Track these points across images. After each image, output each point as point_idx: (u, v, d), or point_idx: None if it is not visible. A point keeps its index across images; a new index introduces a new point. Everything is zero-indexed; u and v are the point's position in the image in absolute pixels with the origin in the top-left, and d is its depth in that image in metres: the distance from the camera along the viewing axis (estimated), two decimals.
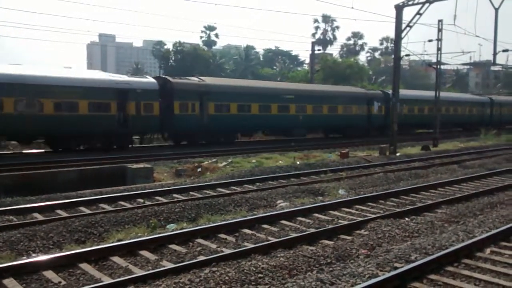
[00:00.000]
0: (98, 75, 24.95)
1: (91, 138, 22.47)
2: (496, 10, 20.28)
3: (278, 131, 31.90)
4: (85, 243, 8.39)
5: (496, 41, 21.56)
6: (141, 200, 11.67)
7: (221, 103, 26.61)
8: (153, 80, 24.95)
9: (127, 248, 7.58)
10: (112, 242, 7.94)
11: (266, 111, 28.68)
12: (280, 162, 19.78)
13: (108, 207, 10.92)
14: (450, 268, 6.74)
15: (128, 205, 11.17)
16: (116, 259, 7.22)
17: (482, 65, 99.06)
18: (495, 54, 22.27)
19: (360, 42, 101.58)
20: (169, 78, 25.90)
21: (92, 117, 21.72)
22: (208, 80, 28.04)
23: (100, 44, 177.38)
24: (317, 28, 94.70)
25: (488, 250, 7.54)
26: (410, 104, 38.30)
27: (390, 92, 37.26)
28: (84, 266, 6.91)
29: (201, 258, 7.17)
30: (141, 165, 16.16)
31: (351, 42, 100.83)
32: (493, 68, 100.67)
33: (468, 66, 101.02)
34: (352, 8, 60.49)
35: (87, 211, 10.50)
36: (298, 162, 19.20)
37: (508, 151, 25.43)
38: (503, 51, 27.97)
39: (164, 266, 6.84)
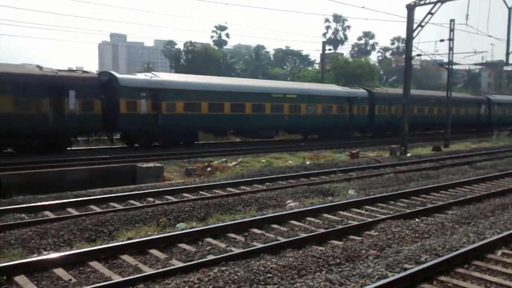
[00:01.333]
0: None
1: None
2: (510, 9, 20.11)
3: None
4: (96, 242, 8.44)
5: (509, 41, 21.38)
6: (151, 199, 11.73)
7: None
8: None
9: (137, 246, 7.62)
10: (122, 241, 7.98)
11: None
12: (290, 162, 19.77)
13: (118, 206, 10.98)
14: (460, 270, 6.68)
15: (138, 204, 11.22)
16: (126, 257, 7.26)
17: (494, 65, 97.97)
18: (508, 54, 22.11)
19: (371, 41, 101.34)
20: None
21: None
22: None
23: (111, 44, 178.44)
24: (328, 27, 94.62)
25: (499, 252, 7.48)
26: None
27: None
28: (94, 264, 6.96)
29: (210, 257, 7.19)
30: (151, 164, 16.23)
31: (362, 41, 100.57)
32: (505, 68, 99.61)
33: (480, 66, 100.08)
34: (363, 7, 59.78)
35: (98, 210, 10.56)
36: (308, 162, 19.17)
37: None
38: None
39: (173, 265, 6.87)
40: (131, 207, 10.72)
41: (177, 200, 11.66)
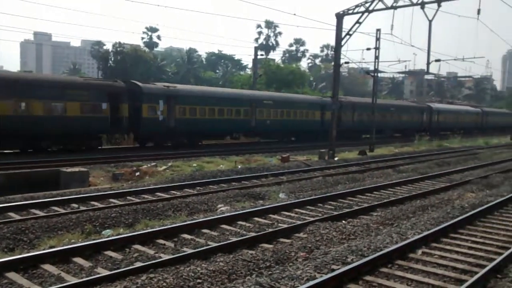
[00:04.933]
0: None
1: None
2: (430, 21, 21.27)
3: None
4: (14, 251, 7.95)
5: (430, 51, 22.63)
6: (76, 205, 11.24)
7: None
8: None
9: (59, 255, 7.26)
10: (44, 249, 7.56)
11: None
12: (222, 166, 19.72)
13: (39, 213, 10.40)
14: (384, 269, 6.96)
15: (62, 211, 10.70)
16: (47, 267, 6.89)
17: (416, 73, 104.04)
18: (428, 63, 23.31)
19: (302, 48, 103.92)
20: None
21: None
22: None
23: (35, 43, 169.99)
24: (260, 33, 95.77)
25: (419, 252, 7.86)
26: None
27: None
28: (12, 275, 6.53)
29: (138, 264, 6.99)
30: (76, 169, 15.54)
31: (293, 48, 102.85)
32: (426, 76, 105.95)
33: (403, 75, 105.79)
34: (295, 15, 61.68)
35: (17, 217, 9.94)
36: (239, 166, 19.23)
37: (439, 156, 26.78)
38: (436, 61, 29.30)
39: (99, 274, 6.61)
40: (53, 214, 10.20)
41: (103, 206, 11.25)
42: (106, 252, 7.62)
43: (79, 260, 7.24)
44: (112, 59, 68.37)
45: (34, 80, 22.71)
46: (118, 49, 67.74)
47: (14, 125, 20.06)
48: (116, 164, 18.64)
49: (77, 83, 23.75)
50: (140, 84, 25.83)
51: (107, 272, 6.62)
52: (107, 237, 8.30)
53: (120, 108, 23.99)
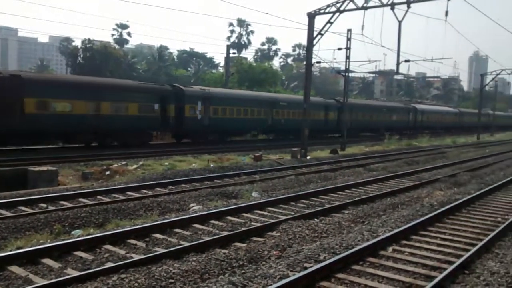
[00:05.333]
0: None
1: None
2: (400, 22, 21.60)
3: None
4: None
5: (399, 52, 22.99)
6: (44, 205, 10.98)
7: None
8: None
9: (27, 256, 7.08)
10: (11, 251, 7.37)
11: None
12: (194, 165, 19.59)
13: (6, 213, 10.10)
14: (356, 267, 7.04)
15: (30, 211, 10.42)
16: (14, 268, 6.70)
17: (386, 73, 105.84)
18: (398, 64, 23.65)
19: (274, 47, 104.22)
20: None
21: None
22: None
23: (0, 38, 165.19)
24: (232, 31, 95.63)
25: (390, 249, 7.99)
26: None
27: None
28: None
29: (109, 264, 6.87)
30: (44, 168, 15.17)
31: (265, 47, 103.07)
32: (396, 77, 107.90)
33: (373, 74, 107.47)
34: (267, 13, 61.79)
35: None
36: (212, 165, 19.15)
37: (408, 155, 27.28)
38: (405, 61, 29.84)
39: (68, 274, 6.46)
40: (21, 214, 9.94)
41: (72, 205, 11.02)
42: (76, 253, 7.46)
43: (48, 261, 7.06)
44: (81, 55, 67.23)
45: (104, 84, 26.36)
46: (88, 45, 66.64)
47: (90, 122, 23.63)
48: (86, 163, 18.30)
49: (136, 87, 27.41)
50: (182, 87, 29.71)
51: (77, 273, 6.48)
52: (77, 237, 8.14)
53: (168, 109, 27.63)
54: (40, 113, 21.60)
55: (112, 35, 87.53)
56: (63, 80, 26.93)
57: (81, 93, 23.50)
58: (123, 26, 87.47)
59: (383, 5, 21.65)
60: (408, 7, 20.98)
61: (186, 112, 28.56)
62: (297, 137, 35.26)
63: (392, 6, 21.18)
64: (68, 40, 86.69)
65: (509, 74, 51.31)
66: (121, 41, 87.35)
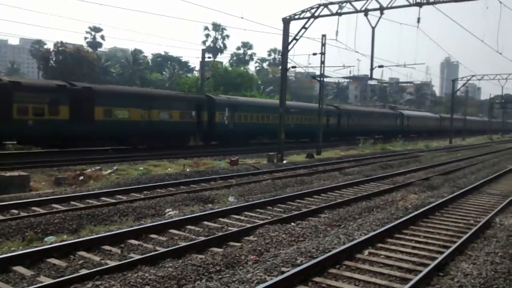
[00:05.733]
0: None
1: None
2: (373, 28, 21.94)
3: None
4: None
5: (373, 57, 23.31)
6: (15, 211, 10.71)
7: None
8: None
9: None
10: None
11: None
12: (169, 169, 19.42)
13: None
14: (333, 270, 7.07)
15: (0, 217, 10.15)
16: None
17: (360, 79, 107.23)
18: (372, 69, 23.99)
19: (249, 52, 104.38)
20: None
21: None
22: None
23: None
24: (207, 35, 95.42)
25: (366, 252, 8.06)
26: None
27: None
28: None
29: (83, 271, 6.73)
30: (15, 173, 14.81)
31: (241, 51, 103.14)
32: (370, 82, 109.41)
33: (348, 80, 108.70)
34: (242, 18, 61.94)
35: None
36: (187, 170, 19.01)
37: (383, 159, 27.63)
38: (379, 66, 30.19)
39: (41, 282, 6.30)
40: None
41: (45, 211, 10.77)
42: (49, 260, 7.29)
43: (19, 268, 6.87)
44: (54, 59, 66.09)
45: (154, 94, 31.05)
46: (60, 48, 65.59)
47: (143, 127, 27.18)
48: (59, 168, 17.95)
49: (178, 96, 32.35)
50: (213, 96, 34.18)
51: (51, 281, 6.33)
52: (50, 244, 7.95)
53: (202, 115, 31.52)
54: (106, 119, 25.33)
55: (85, 38, 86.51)
56: (123, 91, 31.33)
57: (136, 102, 27.41)
58: (97, 29, 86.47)
59: (357, 11, 21.95)
60: (381, 13, 21.34)
61: (216, 118, 32.48)
62: (312, 139, 37.53)
63: (366, 12, 21.50)
64: (39, 42, 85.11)
65: (479, 80, 53.10)
66: (95, 45, 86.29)
